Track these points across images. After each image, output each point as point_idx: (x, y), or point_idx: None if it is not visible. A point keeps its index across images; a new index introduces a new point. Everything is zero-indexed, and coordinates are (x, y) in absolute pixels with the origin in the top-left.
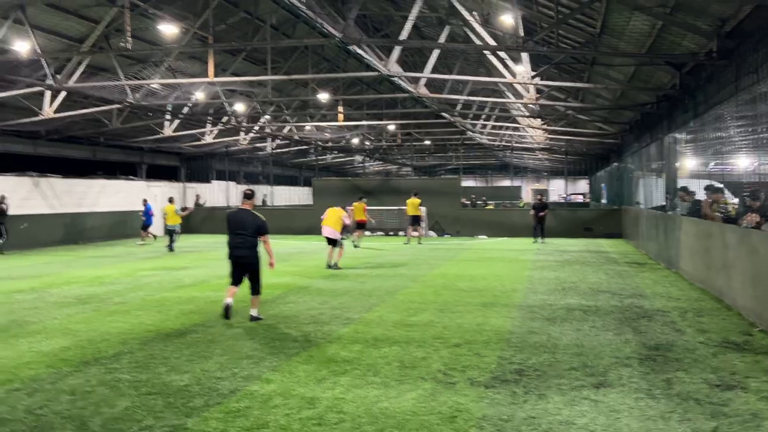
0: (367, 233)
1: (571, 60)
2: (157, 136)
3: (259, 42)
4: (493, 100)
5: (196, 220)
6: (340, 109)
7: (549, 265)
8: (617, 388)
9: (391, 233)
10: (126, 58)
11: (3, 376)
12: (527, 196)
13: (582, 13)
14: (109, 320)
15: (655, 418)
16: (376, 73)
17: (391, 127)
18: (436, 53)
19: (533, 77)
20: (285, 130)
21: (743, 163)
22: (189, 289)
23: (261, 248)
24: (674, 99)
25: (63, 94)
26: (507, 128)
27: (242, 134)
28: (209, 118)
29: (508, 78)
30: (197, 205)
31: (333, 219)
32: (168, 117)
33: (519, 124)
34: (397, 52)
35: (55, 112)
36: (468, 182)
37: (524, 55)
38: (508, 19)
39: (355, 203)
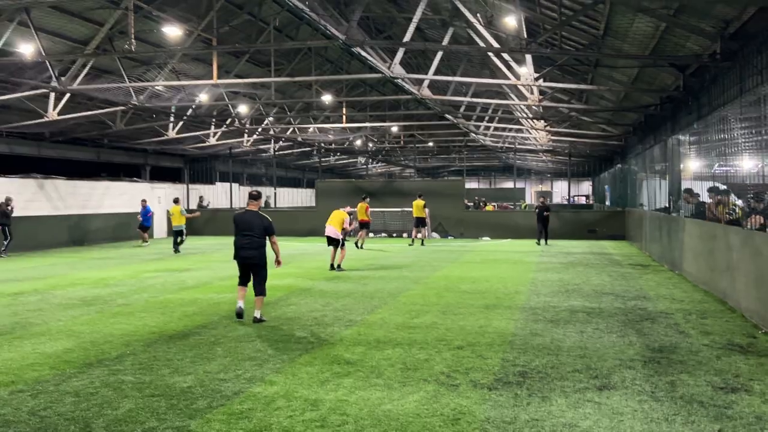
0: (371, 234)
1: (574, 62)
2: (161, 138)
3: (262, 44)
4: (496, 101)
5: (199, 222)
6: (344, 110)
7: (552, 267)
8: (621, 390)
9: (395, 235)
10: (130, 60)
11: (7, 378)
12: (531, 198)
13: (585, 14)
14: (112, 322)
15: (658, 420)
16: (379, 75)
17: (395, 129)
18: (439, 55)
19: (536, 79)
20: (288, 132)
21: (747, 164)
22: (192, 291)
23: (267, 249)
24: (678, 101)
25: (67, 96)
26: (510, 130)
27: (246, 136)
28: (213, 119)
29: (512, 80)
30: (200, 206)
31: (335, 219)
32: (172, 119)
33: (522, 125)
34: (400, 53)
35: (60, 114)
36: (471, 184)
37: (528, 57)
38: (511, 21)
39: (359, 204)
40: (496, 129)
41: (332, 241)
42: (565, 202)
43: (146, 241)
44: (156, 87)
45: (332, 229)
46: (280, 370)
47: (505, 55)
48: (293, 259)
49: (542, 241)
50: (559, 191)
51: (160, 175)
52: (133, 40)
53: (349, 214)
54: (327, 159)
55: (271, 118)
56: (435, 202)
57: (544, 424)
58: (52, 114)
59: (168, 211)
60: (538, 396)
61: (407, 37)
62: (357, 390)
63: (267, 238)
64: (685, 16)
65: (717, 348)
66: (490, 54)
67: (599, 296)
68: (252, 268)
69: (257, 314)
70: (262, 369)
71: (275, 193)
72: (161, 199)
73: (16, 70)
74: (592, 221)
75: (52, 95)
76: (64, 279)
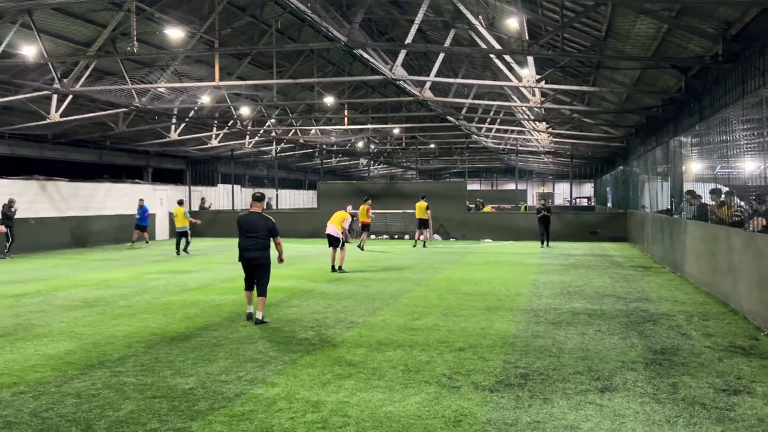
0: (372, 236)
1: (576, 63)
2: (163, 140)
3: (264, 46)
4: (498, 103)
5: (201, 224)
6: (346, 112)
7: (554, 268)
8: (622, 392)
9: (396, 236)
10: (132, 62)
11: (9, 379)
12: (532, 199)
13: (587, 16)
14: (114, 323)
15: (660, 422)
16: (381, 77)
17: (396, 131)
18: (441, 57)
19: (538, 81)
20: (290, 134)
21: (750, 166)
22: (194, 292)
23: (271, 250)
24: (680, 102)
25: (70, 97)
26: (512, 132)
27: (248, 138)
28: (215, 121)
29: (514, 81)
30: (202, 208)
31: (337, 219)
32: (174, 121)
33: (524, 127)
34: (402, 55)
35: (62, 115)
36: (473, 186)
37: (529, 59)
38: (513, 23)
39: (361, 206)
40: (497, 131)
41: (333, 241)
42: (567, 204)
43: (146, 242)
44: (158, 89)
45: (333, 228)
46: (282, 372)
47: (507, 57)
48: (295, 261)
49: (546, 244)
50: (561, 193)
51: (162, 176)
52: (135, 42)
53: (351, 215)
54: (329, 161)
55: (273, 120)
56: (437, 204)
57: (545, 426)
58: (55, 116)
59: (171, 213)
60: (539, 398)
61: (409, 39)
62: (358, 392)
63: (271, 239)
64: (686, 18)
65: (719, 350)
66: (491, 56)
67: (601, 298)
68: (256, 269)
69: (259, 315)
70: (264, 371)
71: (277, 195)
72: (163, 200)
73: (19, 72)
74: (594, 223)
75: (55, 97)
76: (66, 280)
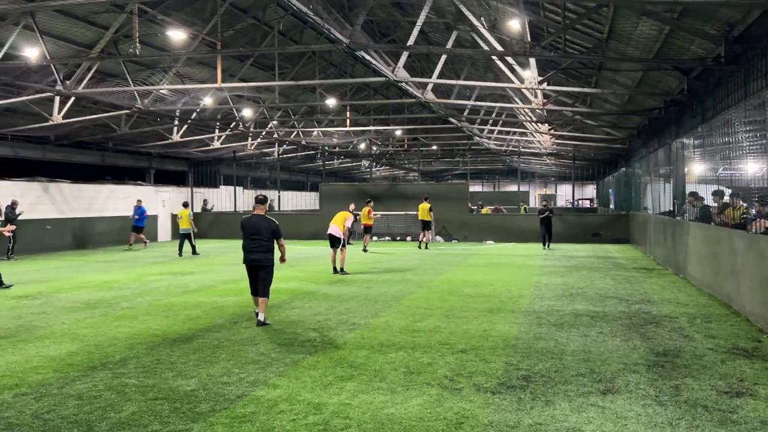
0: (375, 238)
1: (578, 65)
2: (166, 142)
3: (266, 48)
4: (500, 105)
5: (203, 225)
6: (348, 114)
7: (556, 270)
8: (625, 394)
9: (398, 238)
10: (135, 64)
11: (11, 381)
12: (534, 201)
13: (589, 18)
14: (116, 325)
15: (663, 425)
16: (383, 79)
17: (398, 132)
18: (443, 58)
19: (540, 82)
20: (292, 136)
21: (752, 168)
22: (196, 294)
23: (275, 251)
24: (682, 104)
25: (72, 99)
26: (514, 133)
27: (250, 139)
28: (217, 123)
29: (516, 83)
30: (204, 209)
31: (339, 219)
32: (176, 122)
33: (526, 129)
34: (404, 57)
35: (65, 117)
36: (475, 187)
37: (531, 61)
38: (515, 25)
39: (363, 208)
40: (500, 132)
41: (334, 242)
42: (570, 206)
43: (145, 243)
44: (160, 90)
45: (335, 227)
46: (284, 374)
47: (509, 59)
48: (297, 262)
49: (547, 245)
50: (564, 194)
51: (165, 178)
52: (137, 44)
53: (354, 214)
54: (331, 162)
55: (275, 122)
56: (439, 206)
57: (547, 429)
58: (57, 117)
59: (174, 214)
60: (541, 400)
61: (411, 41)
62: (360, 394)
63: (275, 240)
64: (689, 20)
65: (722, 352)
66: (493, 57)
67: (603, 300)
68: (259, 270)
69: (261, 317)
70: (266, 372)
71: (279, 197)
72: (165, 202)
73: (22, 74)
74: (597, 225)
75: (57, 99)
76: (68, 282)
